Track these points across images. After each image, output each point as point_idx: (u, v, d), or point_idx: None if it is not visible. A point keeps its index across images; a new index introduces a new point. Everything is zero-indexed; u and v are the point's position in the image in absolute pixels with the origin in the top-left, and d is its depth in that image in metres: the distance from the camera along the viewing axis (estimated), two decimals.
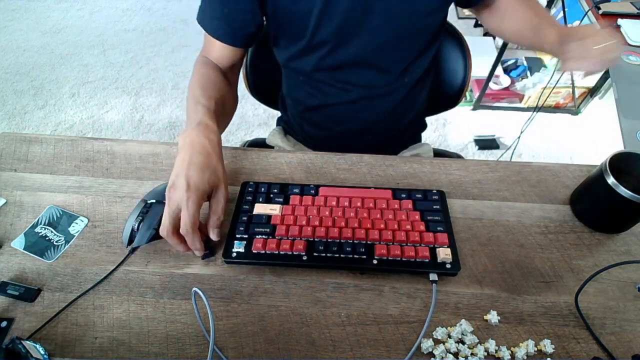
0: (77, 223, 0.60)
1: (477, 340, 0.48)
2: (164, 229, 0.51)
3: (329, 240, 0.55)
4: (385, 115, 0.80)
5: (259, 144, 0.98)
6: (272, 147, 0.93)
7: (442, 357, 0.46)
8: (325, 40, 0.68)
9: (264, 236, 0.55)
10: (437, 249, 0.54)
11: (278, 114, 1.00)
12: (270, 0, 0.65)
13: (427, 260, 0.53)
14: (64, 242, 0.58)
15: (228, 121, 0.73)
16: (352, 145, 0.76)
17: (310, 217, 0.57)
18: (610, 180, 0.53)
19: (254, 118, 1.93)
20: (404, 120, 0.84)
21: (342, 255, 0.54)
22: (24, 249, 0.57)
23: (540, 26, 0.68)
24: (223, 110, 0.66)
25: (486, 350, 0.47)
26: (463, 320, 0.49)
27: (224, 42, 0.69)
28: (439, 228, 0.56)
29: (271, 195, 0.60)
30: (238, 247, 0.54)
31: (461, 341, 0.48)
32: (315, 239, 0.55)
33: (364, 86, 0.75)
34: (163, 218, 0.51)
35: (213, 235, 0.54)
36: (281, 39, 0.73)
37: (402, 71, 0.74)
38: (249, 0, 0.64)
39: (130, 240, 0.56)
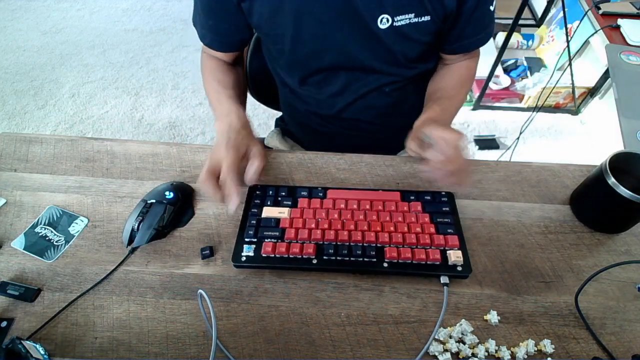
0: (77, 223, 0.60)
1: (477, 340, 0.48)
2: (200, 177, 0.55)
3: (339, 243, 0.54)
4: (375, 117, 0.81)
5: None
6: (270, 148, 0.93)
7: (442, 357, 0.46)
8: (302, 59, 0.70)
9: (273, 240, 0.55)
10: (448, 252, 0.53)
11: (277, 114, 1.00)
12: (253, 18, 0.66)
13: (437, 262, 0.52)
14: (64, 242, 0.58)
15: (245, 100, 0.83)
16: (351, 144, 0.76)
17: (319, 220, 0.57)
18: (610, 180, 0.53)
19: (254, 118, 1.93)
20: (398, 121, 0.84)
21: (352, 259, 0.53)
22: (24, 249, 0.57)
23: (432, 98, 0.72)
24: (240, 92, 0.74)
25: (486, 350, 0.47)
26: (463, 320, 0.49)
27: (212, 48, 0.74)
28: (449, 230, 0.55)
29: (279, 199, 0.60)
30: (247, 251, 0.54)
31: (461, 341, 0.48)
32: (325, 242, 0.55)
33: (348, 91, 0.75)
34: (201, 171, 0.55)
35: (247, 177, 0.57)
36: (268, 54, 0.77)
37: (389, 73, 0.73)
38: (233, 15, 0.66)
39: (130, 240, 0.56)
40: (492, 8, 0.65)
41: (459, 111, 0.73)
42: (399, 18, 0.61)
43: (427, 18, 0.61)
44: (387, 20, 0.61)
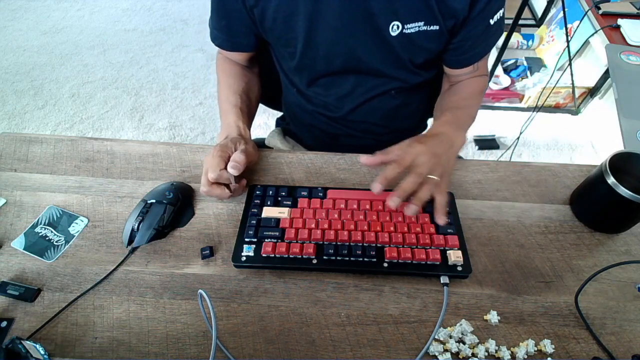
0: (77, 223, 0.60)
1: (477, 340, 0.48)
2: (201, 186, 0.59)
3: (339, 243, 0.54)
4: (381, 119, 0.81)
5: (258, 144, 0.98)
6: (270, 147, 0.93)
7: (443, 357, 0.46)
8: (312, 62, 0.70)
9: (273, 240, 0.55)
10: (448, 252, 0.53)
11: (277, 114, 1.00)
12: (265, 22, 0.66)
13: (437, 262, 0.53)
14: (64, 242, 0.58)
15: (257, 105, 0.82)
16: (354, 145, 0.76)
17: (319, 220, 0.57)
18: (610, 180, 0.53)
19: (254, 118, 1.93)
20: (403, 122, 0.84)
21: (352, 259, 0.53)
22: (24, 249, 0.57)
23: (437, 112, 0.75)
24: (249, 99, 0.75)
25: (486, 350, 0.47)
26: (463, 320, 0.49)
27: (223, 49, 0.75)
28: (449, 230, 0.55)
29: (279, 199, 0.60)
30: (247, 251, 0.54)
31: (461, 341, 0.48)
32: (325, 242, 0.55)
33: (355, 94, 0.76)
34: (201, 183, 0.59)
35: (230, 167, 0.58)
36: (278, 54, 0.77)
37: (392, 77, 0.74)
38: (244, 16, 0.67)
39: (130, 240, 0.56)
40: (492, 22, 0.64)
41: (473, 121, 0.72)
42: (409, 26, 0.62)
43: (435, 27, 0.62)
44: (398, 27, 0.62)
